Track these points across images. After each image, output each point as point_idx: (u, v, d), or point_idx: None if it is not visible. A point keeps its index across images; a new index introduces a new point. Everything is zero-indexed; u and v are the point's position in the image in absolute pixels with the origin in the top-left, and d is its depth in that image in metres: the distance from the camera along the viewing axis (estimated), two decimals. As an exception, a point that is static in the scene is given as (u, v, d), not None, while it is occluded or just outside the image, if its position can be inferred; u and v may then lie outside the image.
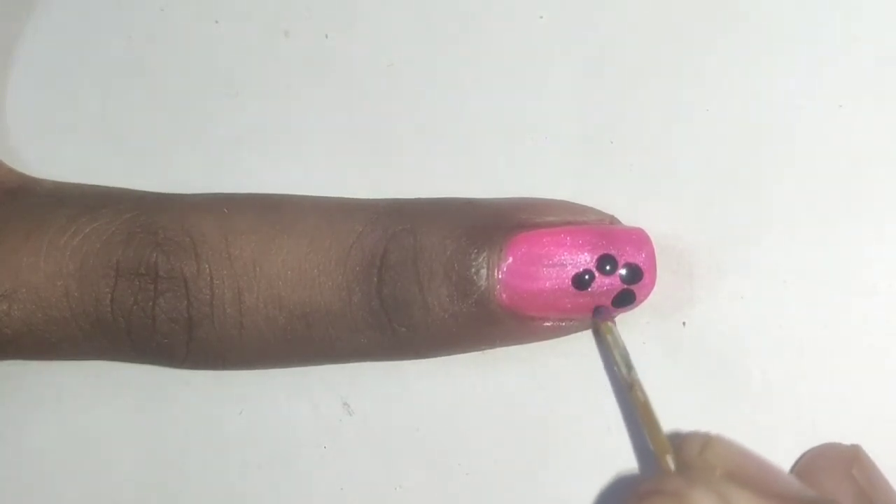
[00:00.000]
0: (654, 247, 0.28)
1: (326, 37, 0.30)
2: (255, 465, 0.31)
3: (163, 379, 0.30)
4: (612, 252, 0.28)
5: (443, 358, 0.29)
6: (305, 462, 0.31)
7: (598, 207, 0.29)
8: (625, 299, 0.28)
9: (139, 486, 0.31)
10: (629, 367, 0.28)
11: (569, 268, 0.28)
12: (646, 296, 0.28)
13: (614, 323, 0.28)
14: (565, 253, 0.28)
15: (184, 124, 0.30)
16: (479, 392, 0.30)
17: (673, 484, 0.24)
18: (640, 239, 0.28)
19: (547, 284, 0.28)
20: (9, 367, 0.30)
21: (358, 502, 0.31)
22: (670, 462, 0.25)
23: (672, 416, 0.29)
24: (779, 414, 0.29)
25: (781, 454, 0.29)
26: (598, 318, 0.28)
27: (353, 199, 0.29)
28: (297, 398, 0.31)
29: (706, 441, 0.25)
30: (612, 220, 0.29)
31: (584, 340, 0.29)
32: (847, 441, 0.29)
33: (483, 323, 0.28)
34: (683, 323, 0.30)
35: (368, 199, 0.29)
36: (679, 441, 0.26)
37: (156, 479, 0.31)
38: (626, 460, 0.30)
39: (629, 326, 0.29)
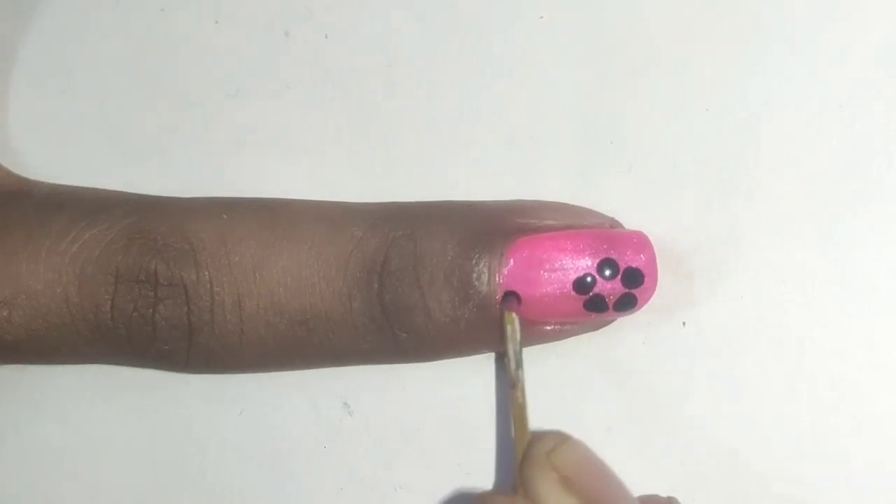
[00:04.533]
0: (655, 249, 0.28)
1: (326, 37, 0.30)
2: (255, 465, 0.31)
3: (162, 380, 0.30)
4: (613, 256, 0.28)
5: (443, 359, 0.30)
6: (305, 462, 0.31)
7: (598, 208, 0.29)
8: (626, 303, 0.28)
9: (139, 487, 0.31)
10: (518, 364, 0.27)
11: (570, 272, 0.27)
12: (647, 299, 0.28)
13: (518, 314, 0.27)
14: (566, 257, 0.27)
15: (184, 125, 0.30)
16: (479, 392, 0.30)
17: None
18: (640, 242, 0.28)
19: (548, 289, 0.27)
20: (9, 368, 0.30)
21: (358, 502, 0.31)
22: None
23: (672, 416, 0.30)
24: (778, 414, 0.29)
25: (781, 454, 0.29)
26: (504, 306, 0.27)
27: (352, 203, 0.29)
28: (297, 398, 0.31)
29: (559, 443, 0.25)
30: (613, 224, 0.29)
31: (585, 341, 0.30)
32: (848, 441, 0.29)
33: (484, 327, 0.28)
34: (683, 323, 0.30)
35: (368, 204, 0.29)
36: (538, 435, 0.25)
37: (156, 479, 0.31)
38: (625, 460, 0.30)
39: (629, 326, 0.30)
